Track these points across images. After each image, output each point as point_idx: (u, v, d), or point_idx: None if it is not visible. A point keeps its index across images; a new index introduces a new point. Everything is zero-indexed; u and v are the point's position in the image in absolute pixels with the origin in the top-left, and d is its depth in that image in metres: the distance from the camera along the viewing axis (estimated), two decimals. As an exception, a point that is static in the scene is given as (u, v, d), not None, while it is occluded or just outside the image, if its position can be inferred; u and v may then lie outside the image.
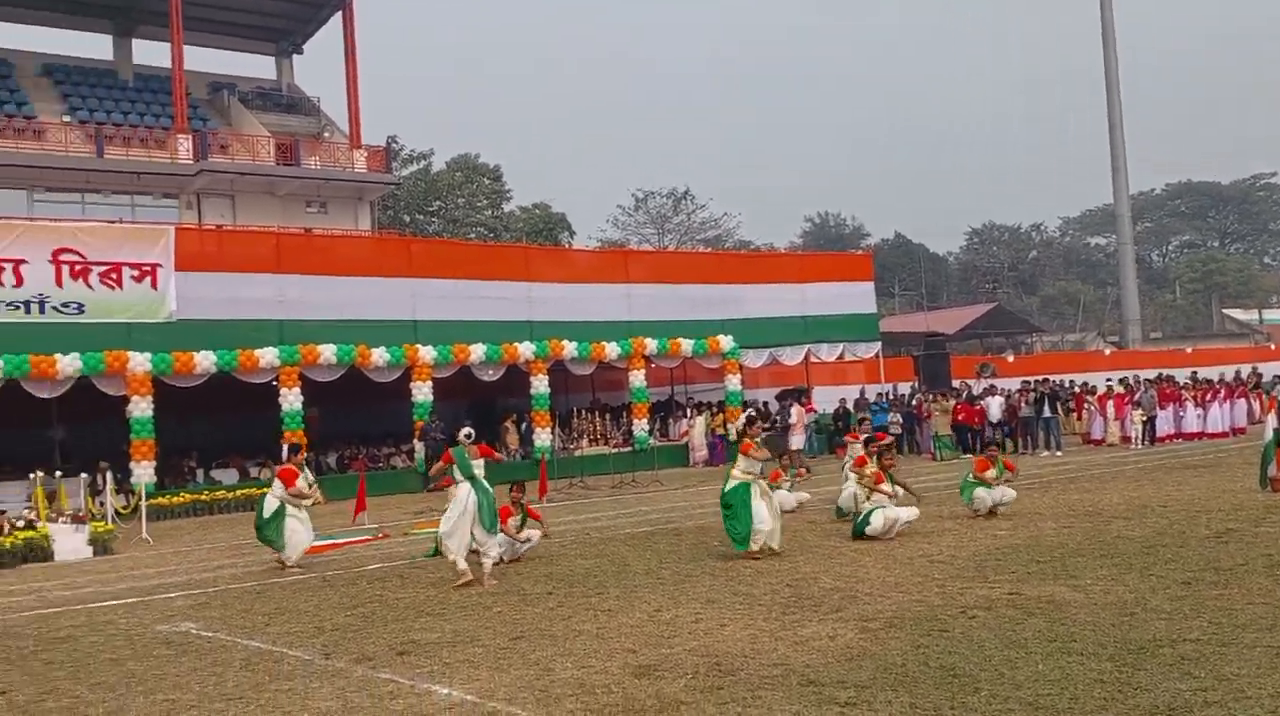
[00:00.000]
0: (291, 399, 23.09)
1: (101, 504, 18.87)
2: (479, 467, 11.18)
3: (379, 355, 24.18)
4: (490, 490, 11.11)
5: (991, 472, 14.39)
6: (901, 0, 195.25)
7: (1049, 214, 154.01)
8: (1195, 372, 34.68)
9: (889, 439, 15.99)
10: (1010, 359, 46.71)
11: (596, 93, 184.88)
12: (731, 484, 11.95)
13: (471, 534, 10.86)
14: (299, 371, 23.19)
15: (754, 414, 13.84)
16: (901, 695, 6.15)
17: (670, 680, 6.76)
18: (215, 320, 22.53)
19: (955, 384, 31.79)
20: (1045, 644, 7.14)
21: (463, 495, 11.02)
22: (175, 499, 21.10)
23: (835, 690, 6.32)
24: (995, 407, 26.26)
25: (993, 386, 29.55)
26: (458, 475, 11.19)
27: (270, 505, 13.04)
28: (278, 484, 13.22)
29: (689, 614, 8.85)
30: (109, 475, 19.38)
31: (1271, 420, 16.46)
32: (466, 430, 11.58)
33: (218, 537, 17.07)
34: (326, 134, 38.59)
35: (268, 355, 22.82)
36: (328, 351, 23.51)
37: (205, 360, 22.00)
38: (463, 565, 10.82)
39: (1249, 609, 7.85)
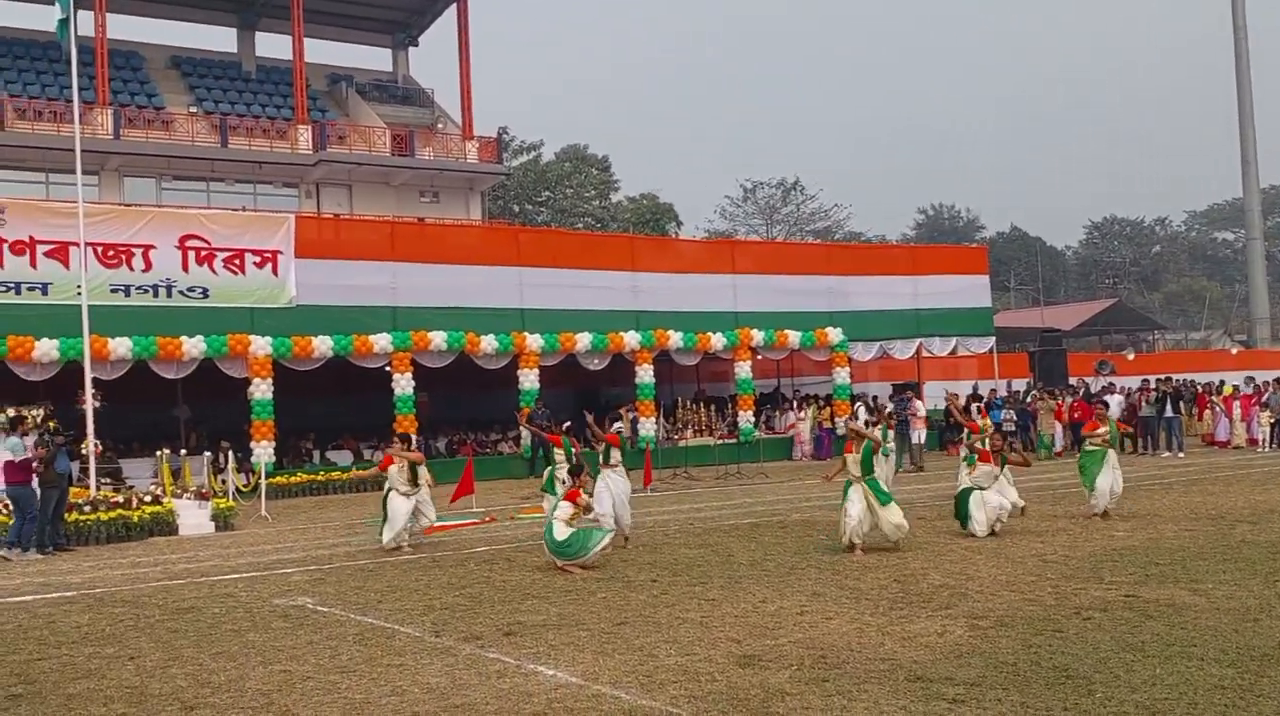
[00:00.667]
0: (404, 384, 23.62)
1: (224, 481, 19.62)
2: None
3: (488, 342, 24.56)
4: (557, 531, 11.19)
5: (1102, 430, 14.07)
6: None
7: (1174, 208, 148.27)
8: None
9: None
10: (1130, 357, 45.18)
11: (705, 80, 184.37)
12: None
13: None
14: (411, 357, 23.70)
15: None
16: (1012, 694, 6.02)
17: (775, 671, 6.74)
18: (332, 306, 23.15)
19: (1072, 381, 30.85)
20: (1164, 647, 6.91)
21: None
22: (293, 478, 21.76)
23: (943, 686, 6.22)
24: (1114, 406, 25.27)
25: (1111, 384, 28.67)
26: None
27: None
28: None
29: (794, 606, 8.80)
30: (230, 454, 20.14)
31: None
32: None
33: (332, 517, 17.58)
34: (440, 125, 39.30)
35: (381, 340, 23.37)
36: (438, 338, 23.97)
37: (323, 345, 22.65)
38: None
39: (1387, 620, 7.47)
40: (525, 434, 24.72)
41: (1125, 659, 6.68)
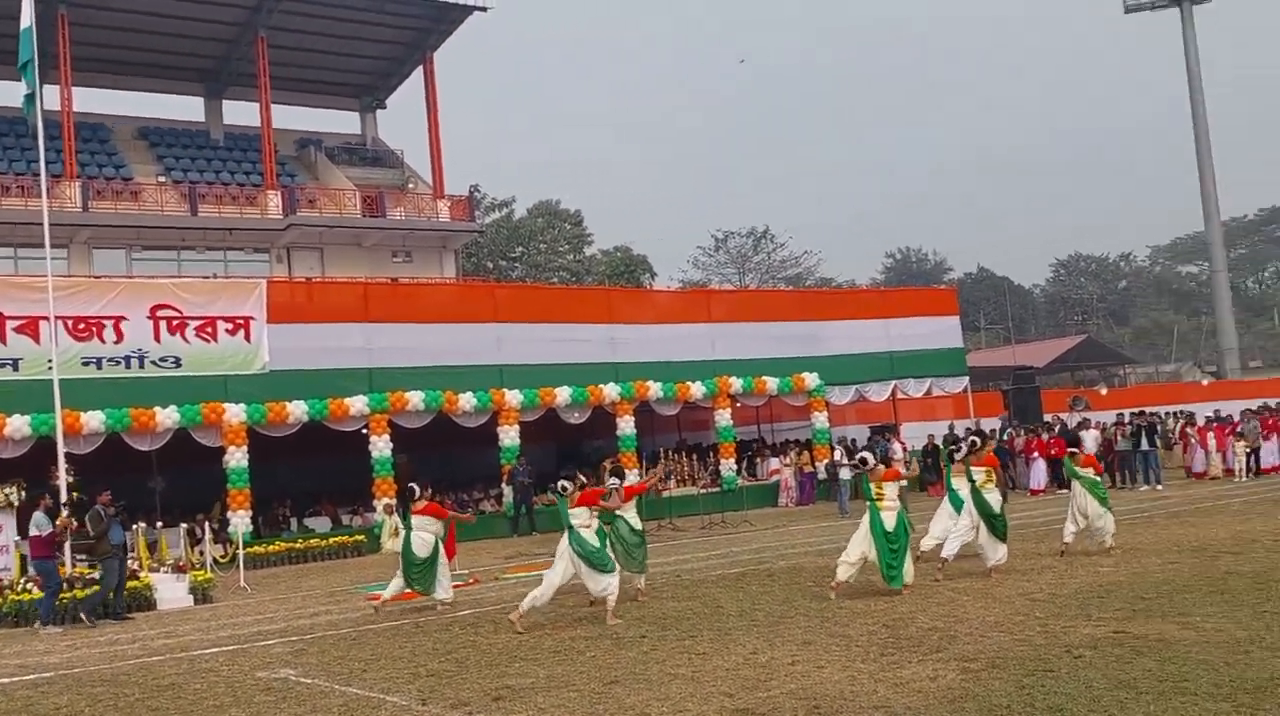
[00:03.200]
0: (381, 446, 23.46)
1: (201, 553, 19.35)
2: (577, 517, 11.31)
3: (466, 400, 24.47)
4: (584, 538, 11.19)
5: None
6: (979, 28, 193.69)
7: (1137, 243, 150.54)
8: (1267, 403, 32.27)
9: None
10: (1104, 392, 45.55)
11: (674, 133, 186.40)
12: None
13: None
14: (388, 418, 23.58)
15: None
16: (1009, 739, 5.98)
17: (768, 724, 6.67)
18: (307, 370, 23.02)
19: (1047, 418, 31.03)
20: (1156, 684, 6.89)
21: (561, 549, 11.28)
22: (271, 547, 21.51)
23: (939, 734, 6.17)
24: (1090, 441, 25.53)
25: (1087, 420, 28.83)
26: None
27: (425, 543, 12.91)
28: (426, 520, 13.04)
29: (785, 656, 8.73)
30: (208, 525, 19.89)
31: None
32: (563, 482, 11.70)
33: (313, 585, 17.35)
34: (410, 185, 39.48)
35: (357, 403, 23.24)
36: (416, 398, 23.87)
37: (298, 409, 22.49)
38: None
39: (1375, 647, 7.49)
40: (508, 491, 24.58)
41: (1119, 696, 6.66)
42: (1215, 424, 26.79)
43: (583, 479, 12.18)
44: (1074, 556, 13.44)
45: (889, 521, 11.59)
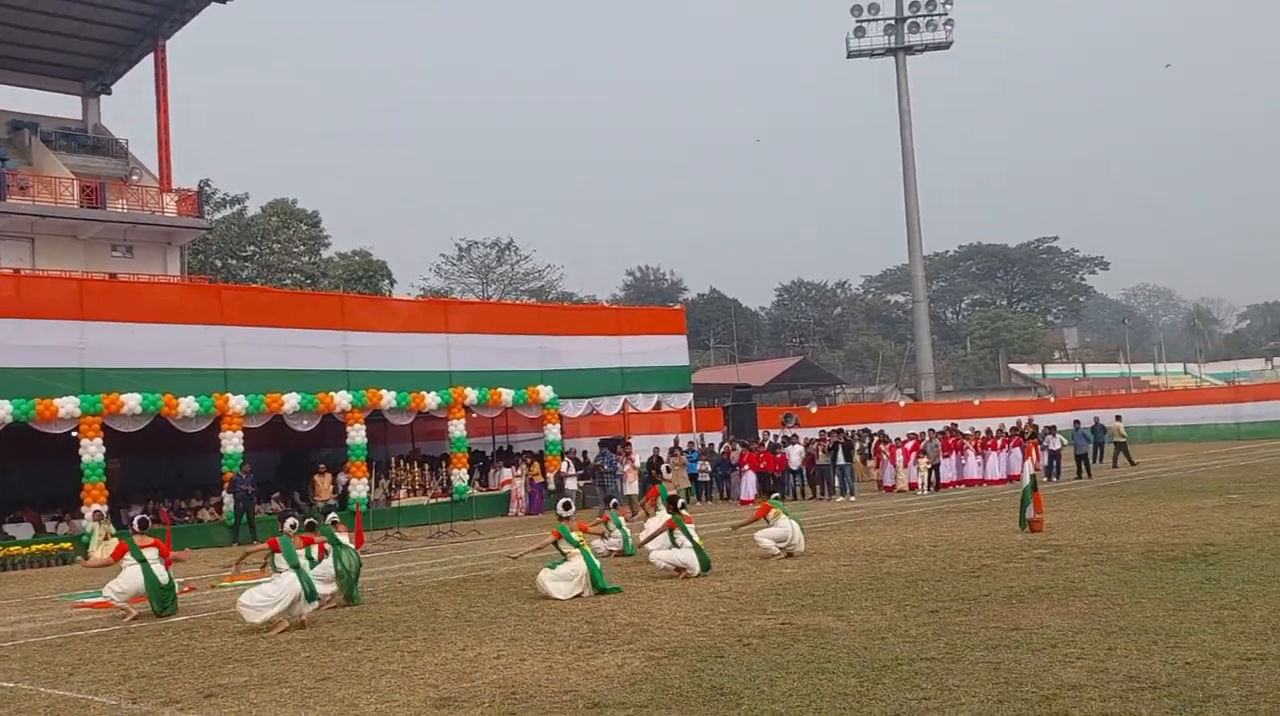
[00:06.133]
0: (93, 450, 22.39)
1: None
2: (303, 557, 11.53)
3: (187, 404, 23.72)
4: (311, 577, 11.44)
5: (772, 514, 15.52)
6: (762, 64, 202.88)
7: (854, 272, 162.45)
8: (955, 424, 36.00)
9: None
10: (813, 410, 49.06)
11: (417, 137, 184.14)
12: None
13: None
14: (101, 421, 22.55)
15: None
16: (674, 711, 6.93)
17: (468, 709, 7.35)
18: (11, 368, 21.72)
19: (760, 433, 33.34)
20: (804, 665, 8.08)
21: (286, 582, 11.24)
22: (-37, 555, 20.14)
23: (616, 710, 7.05)
24: (795, 455, 27.84)
25: (795, 436, 31.20)
26: (281, 564, 11.38)
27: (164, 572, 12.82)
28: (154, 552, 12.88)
29: (492, 651, 9.42)
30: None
31: (1029, 467, 18.32)
32: (291, 521, 11.90)
33: (12, 592, 16.51)
34: (135, 177, 37.62)
35: (67, 404, 22.10)
36: (132, 401, 22.93)
37: (1, 410, 21.18)
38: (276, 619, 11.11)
39: (981, 632, 9.01)
40: (229, 499, 24.00)
41: (771, 676, 7.78)
42: (903, 442, 29.69)
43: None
44: (767, 559, 14.87)
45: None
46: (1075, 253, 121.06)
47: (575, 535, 12.84)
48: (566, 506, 13.97)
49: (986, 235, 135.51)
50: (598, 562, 12.75)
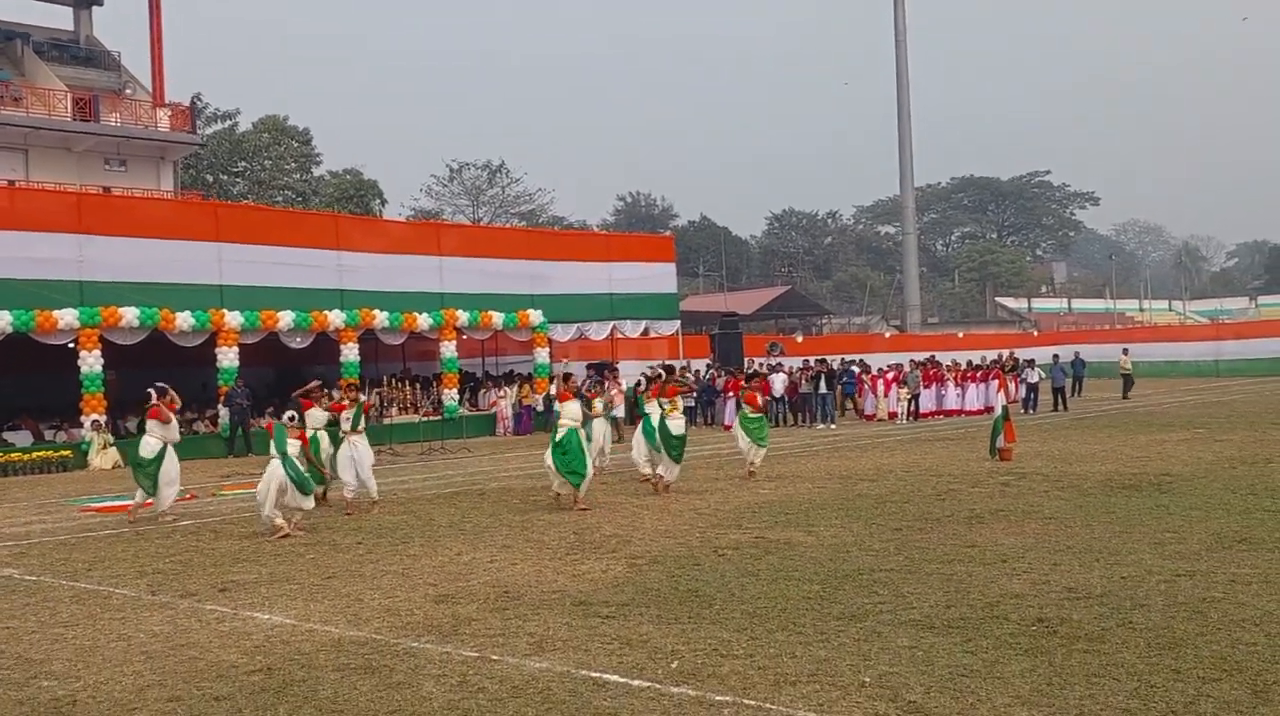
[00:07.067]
0: (91, 362, 22.91)
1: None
2: (293, 447, 12.17)
3: (183, 319, 24.18)
4: (299, 466, 12.11)
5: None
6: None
7: (845, 203, 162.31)
8: (933, 356, 36.84)
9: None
10: (799, 339, 49.73)
11: (410, 55, 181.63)
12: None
13: (281, 501, 11.90)
14: (99, 334, 23.02)
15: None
16: (652, 610, 7.60)
17: (465, 604, 8.01)
18: (12, 279, 22.11)
19: (745, 362, 33.98)
20: (773, 573, 8.76)
21: (271, 469, 11.91)
22: (-34, 461, 20.72)
23: (600, 607, 7.72)
24: (778, 384, 28.49)
25: (779, 364, 31.83)
26: (271, 450, 12.07)
27: (150, 447, 13.29)
28: (155, 425, 13.42)
29: (485, 557, 10.09)
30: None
31: (1001, 398, 19.00)
32: (290, 413, 12.57)
33: (17, 497, 17.14)
34: (128, 90, 37.50)
35: (67, 316, 22.55)
36: (130, 314, 23.37)
37: (1, 320, 21.62)
38: (279, 521, 11.74)
39: (939, 548, 9.70)
40: (224, 413, 24.59)
41: (742, 582, 8.45)
42: (884, 372, 30.39)
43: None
44: (746, 480, 15.56)
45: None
46: (1066, 187, 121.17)
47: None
48: (567, 377, 14.66)
49: (979, 168, 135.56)
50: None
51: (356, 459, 13.51)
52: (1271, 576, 7.99)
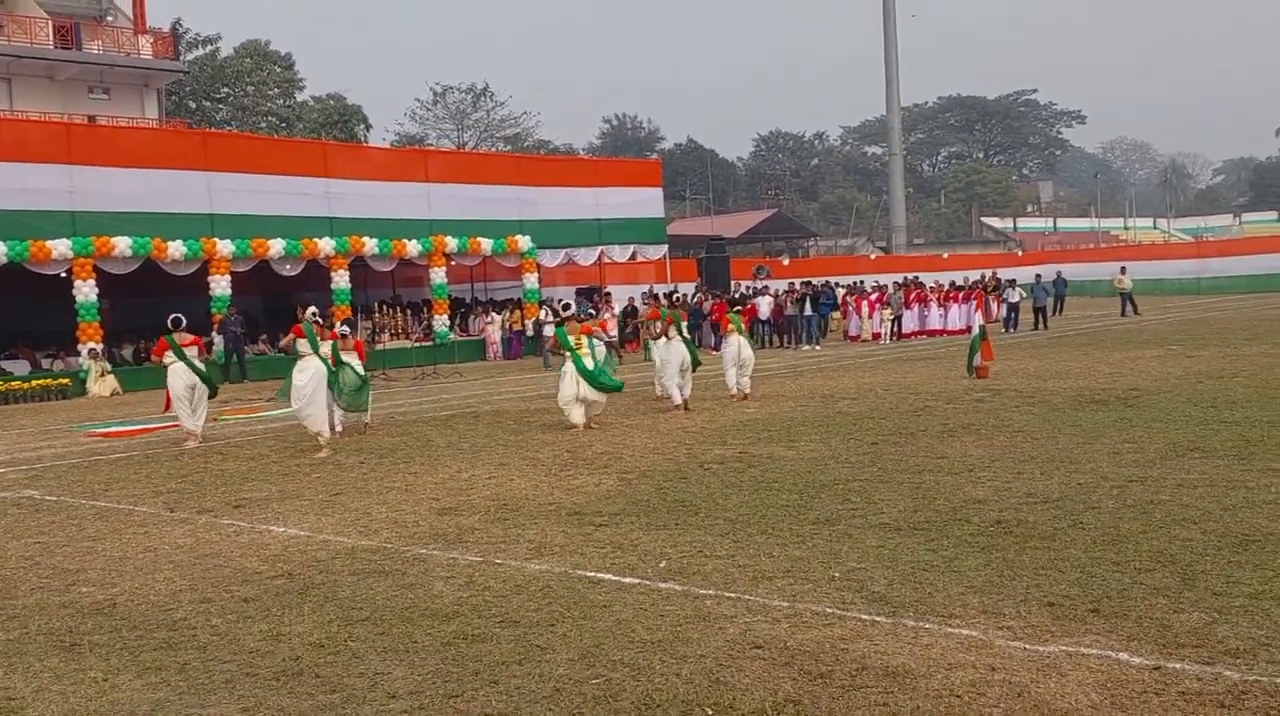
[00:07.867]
0: (86, 291, 23.28)
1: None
2: (326, 347, 12.77)
3: (175, 248, 24.50)
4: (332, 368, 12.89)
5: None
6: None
7: (832, 124, 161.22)
8: (916, 277, 37.50)
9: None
10: (785, 262, 50.13)
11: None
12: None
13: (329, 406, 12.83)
14: (93, 263, 23.33)
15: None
16: (641, 519, 8.17)
17: (466, 516, 8.58)
18: (2, 210, 22.33)
19: (732, 285, 34.43)
20: (755, 484, 9.34)
21: (313, 367, 12.63)
22: (-35, 390, 21.16)
23: (593, 517, 8.29)
24: (764, 306, 29.01)
25: (766, 287, 32.32)
26: (305, 348, 12.73)
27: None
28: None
29: (484, 473, 10.65)
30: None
31: (978, 317, 19.54)
32: (312, 309, 13.20)
33: (22, 424, 17.64)
34: (109, 17, 37.18)
35: (60, 246, 22.86)
36: (122, 243, 23.69)
37: (-6, 251, 21.92)
38: (327, 433, 12.40)
39: (911, 460, 10.28)
40: (219, 340, 24.99)
41: (726, 493, 9.03)
42: (868, 293, 30.91)
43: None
44: (730, 401, 16.12)
45: (588, 362, 13.66)
46: (1053, 105, 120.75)
47: (571, 338, 13.84)
48: (565, 307, 15.19)
49: (966, 87, 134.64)
50: (587, 362, 13.75)
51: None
52: (1216, 481, 8.59)
